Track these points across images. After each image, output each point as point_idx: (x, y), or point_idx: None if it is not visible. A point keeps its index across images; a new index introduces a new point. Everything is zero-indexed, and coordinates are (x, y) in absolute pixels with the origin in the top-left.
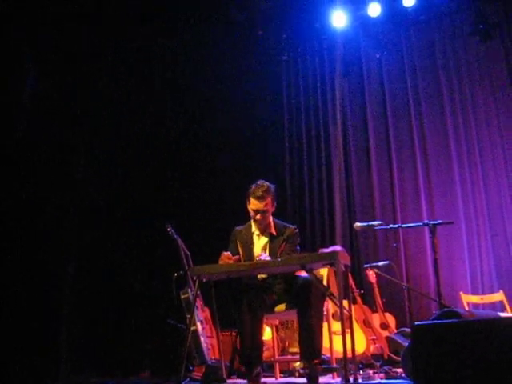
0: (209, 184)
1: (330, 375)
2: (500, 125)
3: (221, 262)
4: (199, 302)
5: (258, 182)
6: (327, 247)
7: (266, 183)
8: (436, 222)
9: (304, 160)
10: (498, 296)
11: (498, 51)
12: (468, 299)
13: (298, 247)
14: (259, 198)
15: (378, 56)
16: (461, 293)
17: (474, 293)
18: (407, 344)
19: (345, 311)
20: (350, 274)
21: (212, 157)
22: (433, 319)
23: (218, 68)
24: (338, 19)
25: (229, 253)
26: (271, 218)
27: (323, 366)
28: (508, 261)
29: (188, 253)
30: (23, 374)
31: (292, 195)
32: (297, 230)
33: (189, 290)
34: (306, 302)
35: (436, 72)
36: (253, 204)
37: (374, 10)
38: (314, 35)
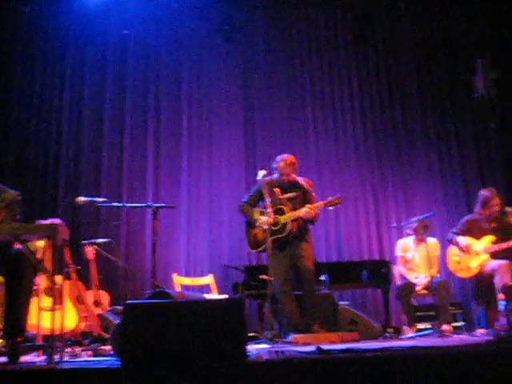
0: None
1: (35, 353)
2: (227, 125)
3: None
4: None
5: None
6: (46, 219)
7: None
8: (159, 205)
9: (32, 125)
10: (208, 279)
11: (236, 53)
12: (180, 281)
13: (19, 216)
14: None
15: (126, 32)
16: (174, 274)
17: (187, 275)
18: (118, 322)
19: (57, 287)
20: (67, 249)
21: None
22: (145, 299)
23: None
24: None
25: None
26: None
27: (27, 344)
28: (220, 247)
29: None
30: None
31: (15, 157)
32: (20, 197)
33: None
34: (16, 276)
35: (179, 60)
36: None
37: None
38: None
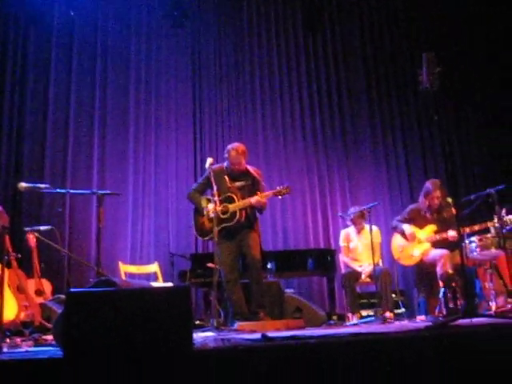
0: None
1: None
2: (176, 111)
3: None
4: None
5: None
6: None
7: None
8: (104, 192)
9: None
10: (153, 267)
11: (185, 40)
12: (126, 269)
13: None
14: None
15: (72, 14)
16: (119, 262)
17: (133, 263)
18: (61, 311)
19: None
20: (7, 236)
21: None
22: (89, 287)
23: None
24: None
25: None
26: None
27: None
28: (165, 235)
29: None
30: None
31: None
32: None
33: None
34: None
35: (128, 46)
36: None
37: None
38: None
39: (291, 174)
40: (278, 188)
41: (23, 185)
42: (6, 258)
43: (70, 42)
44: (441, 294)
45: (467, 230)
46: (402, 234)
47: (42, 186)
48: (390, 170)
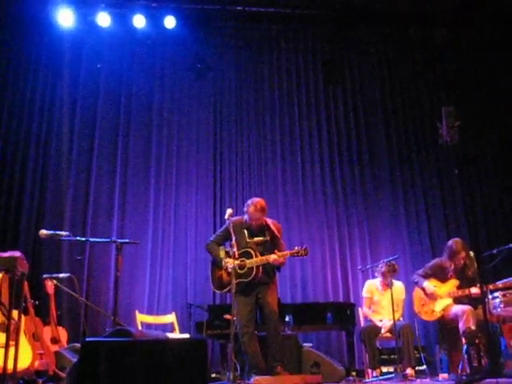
0: None
1: None
2: (196, 163)
3: None
4: None
5: None
6: (6, 251)
7: None
8: (123, 241)
9: None
10: (170, 318)
11: (207, 92)
12: (142, 319)
13: None
14: None
15: (98, 66)
16: (136, 312)
17: (150, 313)
18: (75, 360)
19: (12, 322)
20: (26, 283)
21: None
22: (105, 336)
23: None
24: (65, 18)
25: None
26: None
27: None
28: (184, 285)
29: None
30: None
31: None
32: None
33: None
34: None
35: (151, 97)
36: None
37: (104, 20)
38: (38, 26)
39: (311, 226)
40: (296, 248)
41: (44, 232)
42: (24, 304)
43: (96, 95)
44: (464, 352)
45: (490, 287)
46: (424, 291)
47: (63, 233)
48: (411, 223)
